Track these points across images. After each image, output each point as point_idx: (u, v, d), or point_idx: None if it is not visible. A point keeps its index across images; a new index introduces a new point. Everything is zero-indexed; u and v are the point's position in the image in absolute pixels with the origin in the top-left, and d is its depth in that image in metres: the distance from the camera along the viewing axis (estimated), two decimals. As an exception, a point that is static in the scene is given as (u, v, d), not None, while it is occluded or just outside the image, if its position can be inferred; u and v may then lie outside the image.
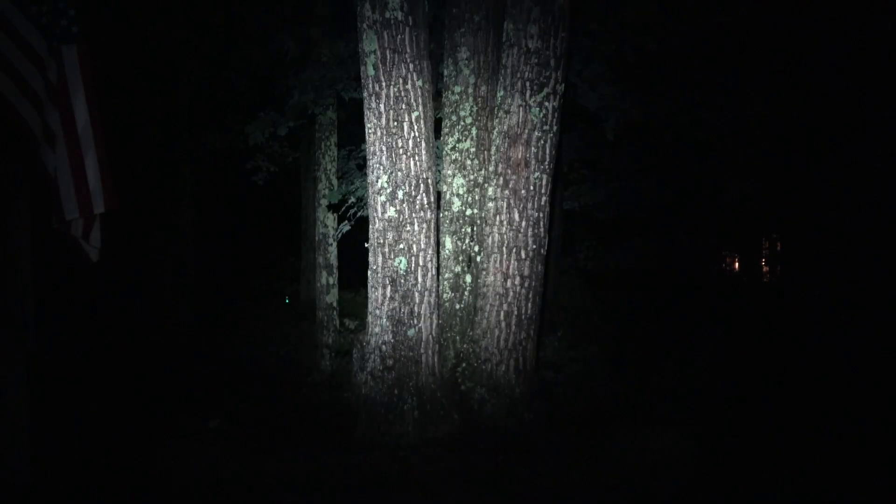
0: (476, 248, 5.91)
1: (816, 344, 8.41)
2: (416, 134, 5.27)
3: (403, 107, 5.22)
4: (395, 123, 5.22)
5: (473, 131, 5.94)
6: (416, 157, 5.27)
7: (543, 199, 5.58)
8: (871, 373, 6.98)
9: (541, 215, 5.57)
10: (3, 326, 3.97)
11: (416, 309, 5.25)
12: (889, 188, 9.89)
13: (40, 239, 4.15)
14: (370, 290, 5.36)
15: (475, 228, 5.93)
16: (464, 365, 5.65)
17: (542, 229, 5.59)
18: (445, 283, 5.89)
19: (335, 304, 8.66)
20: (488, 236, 5.65)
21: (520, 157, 5.52)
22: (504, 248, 5.56)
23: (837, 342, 8.32)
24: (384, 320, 5.26)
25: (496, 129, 5.66)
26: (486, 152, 5.93)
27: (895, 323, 8.63)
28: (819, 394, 6.34)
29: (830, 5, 8.79)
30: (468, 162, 5.94)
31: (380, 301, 5.28)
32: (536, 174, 5.53)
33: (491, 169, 5.70)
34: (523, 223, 5.54)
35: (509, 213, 5.55)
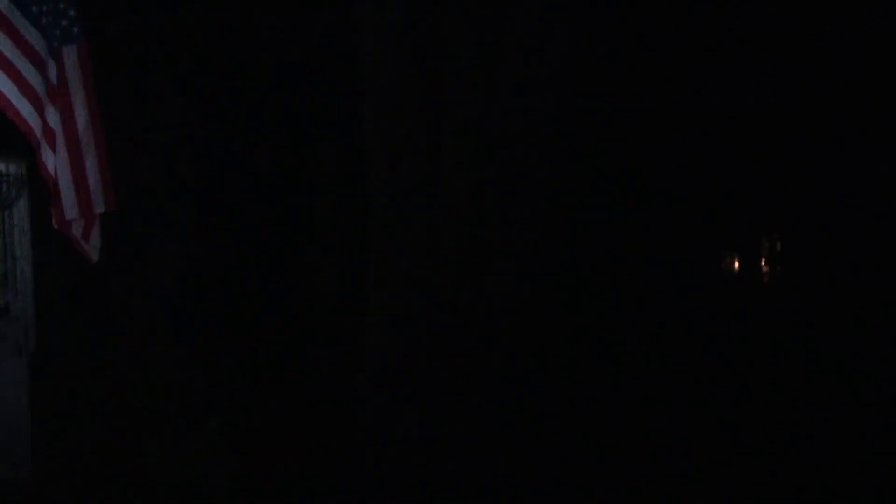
0: (476, 248, 5.89)
1: (816, 344, 8.38)
2: (416, 133, 5.27)
3: (403, 106, 5.23)
4: (395, 123, 5.23)
5: (474, 131, 5.92)
6: (416, 157, 5.27)
7: (543, 199, 5.59)
8: (872, 373, 6.98)
9: (541, 215, 5.58)
10: (3, 326, 3.98)
11: (415, 309, 5.25)
12: (889, 188, 9.86)
13: (40, 239, 4.15)
14: (370, 291, 5.37)
15: (475, 228, 5.91)
16: (464, 364, 5.64)
17: (542, 229, 5.59)
18: (446, 283, 5.87)
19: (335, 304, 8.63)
20: (489, 236, 5.64)
21: (520, 156, 5.52)
22: (504, 248, 5.56)
23: (838, 342, 8.30)
24: (384, 320, 5.26)
25: (497, 130, 5.65)
26: (486, 152, 5.91)
27: (895, 323, 8.61)
28: (819, 393, 6.33)
29: (831, 5, 8.77)
30: (468, 162, 5.92)
31: (379, 301, 5.28)
32: (536, 174, 5.53)
33: (491, 169, 5.69)
34: (524, 223, 5.54)
35: (510, 213, 5.54)
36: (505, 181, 5.55)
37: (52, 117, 3.93)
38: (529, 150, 5.51)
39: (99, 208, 4.03)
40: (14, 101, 3.93)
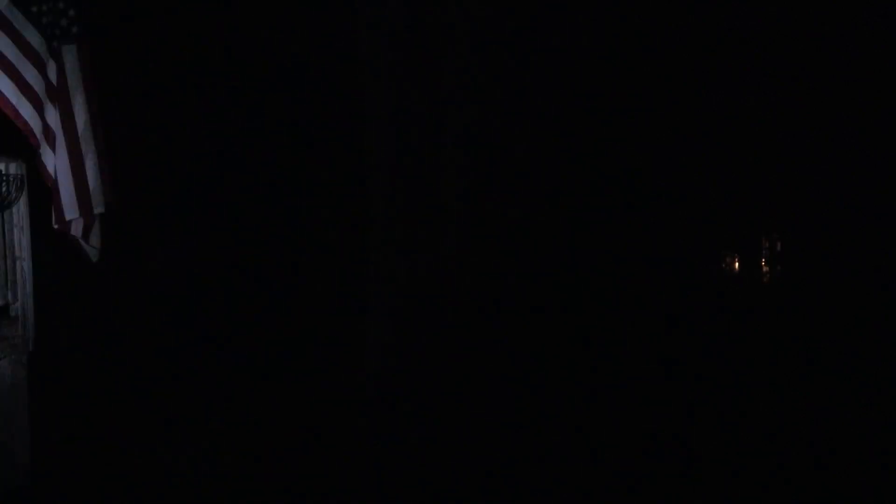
0: (477, 248, 5.89)
1: (816, 344, 8.38)
2: (416, 133, 5.27)
3: (403, 106, 5.23)
4: (395, 123, 5.23)
5: (474, 132, 5.92)
6: (416, 157, 5.27)
7: (543, 199, 5.59)
8: (872, 373, 6.98)
9: (540, 215, 5.58)
10: (3, 326, 3.98)
11: (416, 308, 5.25)
12: (889, 188, 9.85)
13: (40, 239, 4.15)
14: (371, 290, 5.37)
15: (475, 228, 5.92)
16: (465, 362, 5.64)
17: (542, 230, 5.59)
18: (447, 282, 5.88)
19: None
20: (489, 236, 5.64)
21: (520, 156, 5.53)
22: (504, 248, 5.56)
23: (838, 342, 8.30)
24: (385, 319, 5.26)
25: (496, 130, 5.65)
26: (486, 152, 5.92)
27: (895, 323, 8.60)
28: (819, 393, 6.34)
29: (831, 4, 8.77)
30: (468, 162, 5.93)
31: (380, 301, 5.28)
32: (536, 174, 5.53)
33: (491, 169, 5.69)
34: (524, 223, 5.54)
35: (509, 213, 5.55)
36: (505, 181, 5.55)
37: (52, 117, 3.93)
38: (529, 150, 5.51)
39: (99, 208, 4.03)
40: (14, 102, 3.93)
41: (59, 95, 3.94)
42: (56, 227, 4.01)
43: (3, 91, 3.90)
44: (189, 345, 9.09)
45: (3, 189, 3.96)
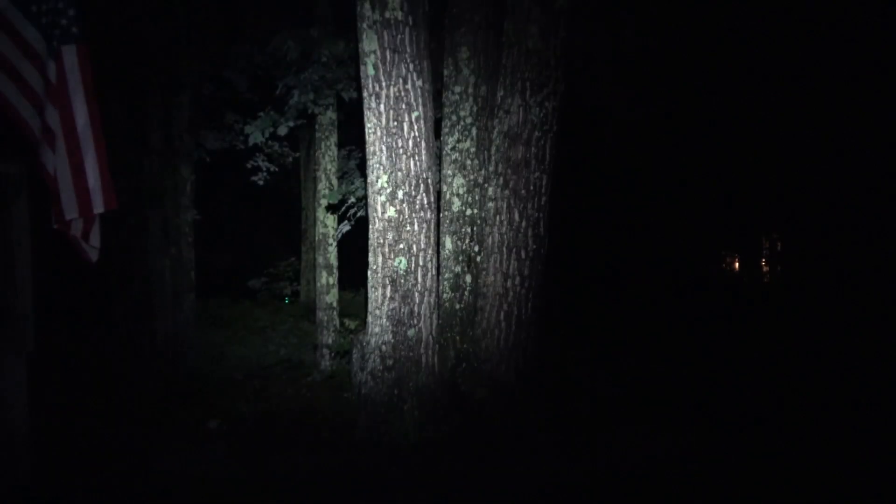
0: (476, 248, 5.90)
1: (816, 344, 8.41)
2: (416, 134, 5.26)
3: (403, 107, 5.22)
4: (395, 123, 5.22)
5: (473, 131, 5.94)
6: (416, 157, 5.26)
7: (543, 199, 5.59)
8: (871, 373, 6.99)
9: (541, 215, 5.58)
10: (3, 326, 3.98)
11: (416, 309, 5.25)
12: (889, 188, 9.89)
13: (40, 239, 4.15)
14: (370, 290, 5.36)
15: (475, 228, 5.93)
16: (464, 365, 5.65)
17: (542, 229, 5.60)
18: (445, 283, 5.89)
19: (335, 304, 8.64)
20: (488, 236, 5.65)
21: (520, 157, 5.52)
22: (504, 249, 5.57)
23: (837, 342, 8.33)
24: (384, 320, 5.25)
25: (496, 129, 5.66)
26: (486, 152, 5.93)
27: (895, 323, 8.63)
28: (818, 394, 6.35)
29: (832, 5, 8.79)
30: (468, 162, 5.94)
31: (380, 301, 5.27)
32: (536, 174, 5.53)
33: (491, 169, 5.70)
34: (523, 223, 5.54)
35: (510, 213, 5.55)
36: (505, 181, 5.56)
37: (52, 117, 3.92)
38: (529, 151, 5.52)
39: (98, 208, 4.01)
40: (14, 101, 3.93)
41: (59, 95, 3.93)
42: (56, 227, 4.00)
43: (3, 91, 3.90)
44: (188, 344, 9.02)
45: (4, 189, 3.95)
